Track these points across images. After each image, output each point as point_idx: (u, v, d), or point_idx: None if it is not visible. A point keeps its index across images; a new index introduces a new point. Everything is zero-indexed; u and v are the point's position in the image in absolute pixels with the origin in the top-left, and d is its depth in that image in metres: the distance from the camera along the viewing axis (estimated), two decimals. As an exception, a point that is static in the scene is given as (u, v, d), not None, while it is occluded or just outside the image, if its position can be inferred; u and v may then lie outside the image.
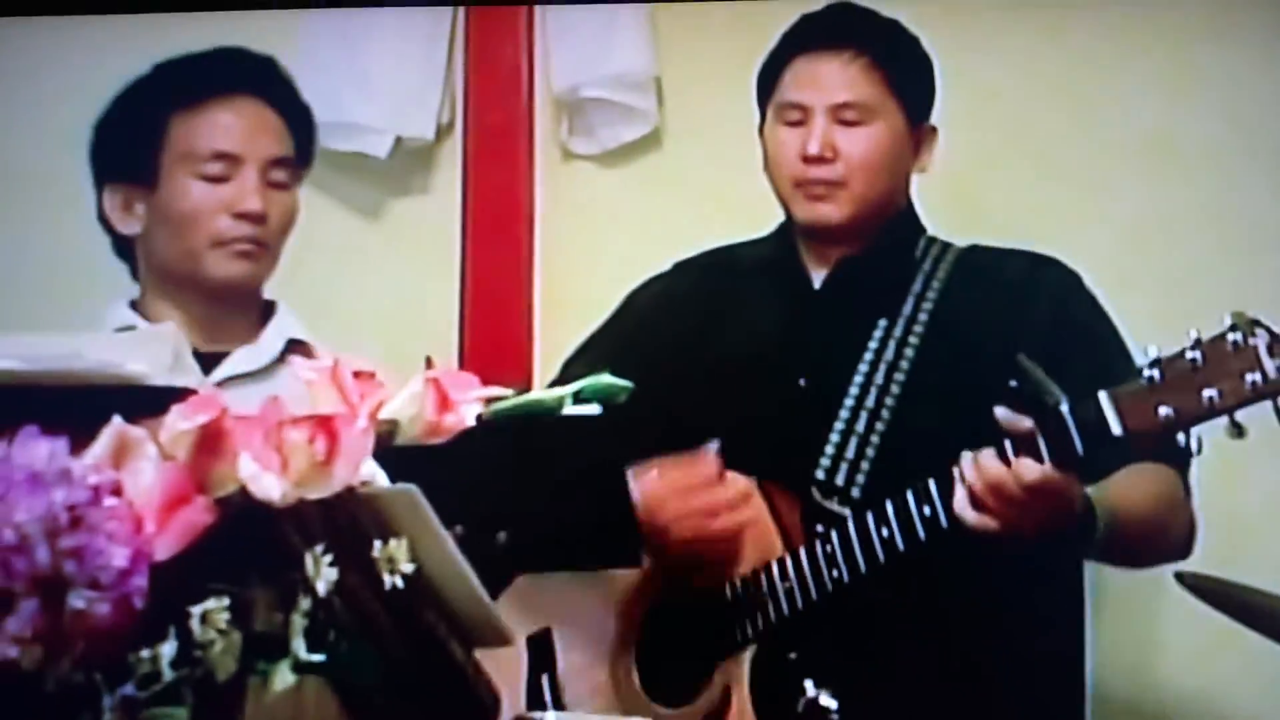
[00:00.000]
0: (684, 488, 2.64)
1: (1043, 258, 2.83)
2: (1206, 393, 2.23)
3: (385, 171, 3.79)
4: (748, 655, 2.64)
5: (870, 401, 2.71)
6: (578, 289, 3.23)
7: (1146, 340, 2.37)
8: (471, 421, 1.73)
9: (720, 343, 2.85)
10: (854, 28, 2.83)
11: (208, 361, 2.51)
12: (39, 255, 3.61)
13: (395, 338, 3.64)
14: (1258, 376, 2.20)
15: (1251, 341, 2.21)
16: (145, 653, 1.50)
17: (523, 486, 2.62)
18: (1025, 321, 2.71)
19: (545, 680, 2.60)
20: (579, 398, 1.79)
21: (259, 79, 2.70)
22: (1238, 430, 2.22)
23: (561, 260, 3.68)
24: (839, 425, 2.71)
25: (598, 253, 3.44)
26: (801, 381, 2.77)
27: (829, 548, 2.57)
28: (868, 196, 2.77)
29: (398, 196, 3.84)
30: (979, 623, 2.64)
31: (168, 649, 1.51)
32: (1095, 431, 2.33)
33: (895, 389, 2.71)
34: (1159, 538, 2.68)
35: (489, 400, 1.76)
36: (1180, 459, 2.59)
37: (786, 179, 2.80)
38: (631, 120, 3.73)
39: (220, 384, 2.51)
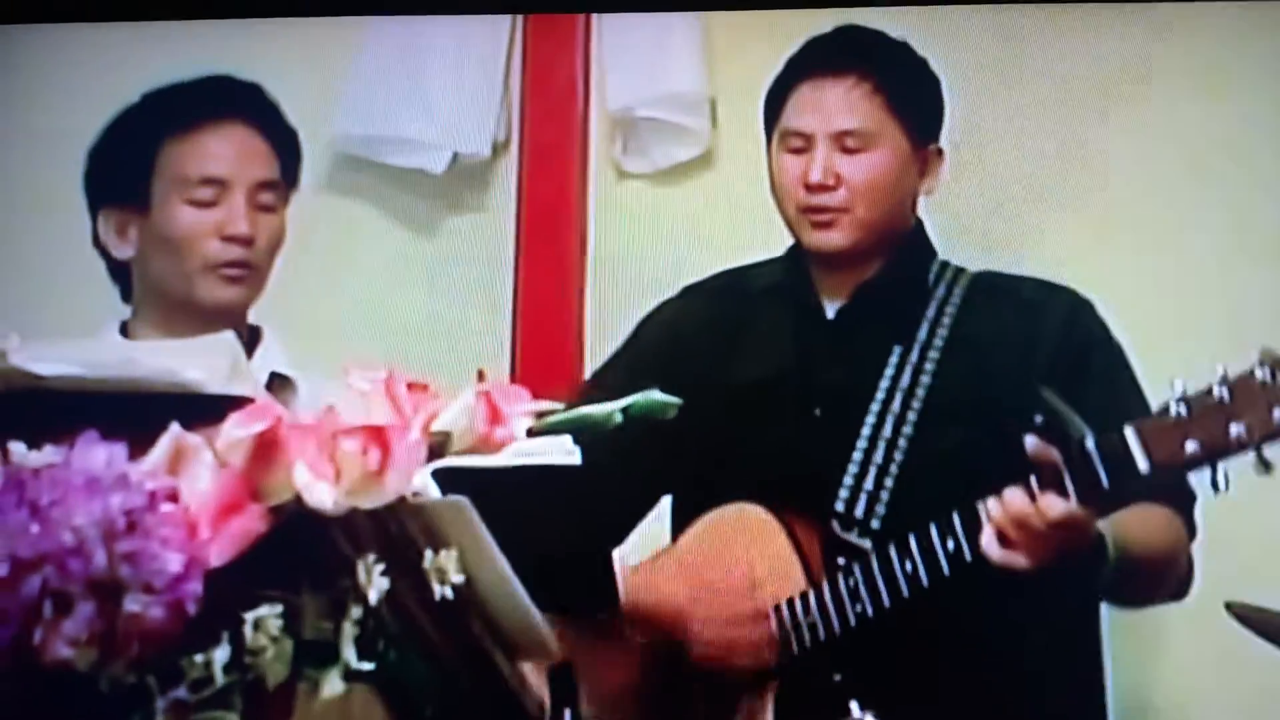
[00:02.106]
0: (715, 608, 2.65)
1: (1055, 285, 2.82)
2: (1234, 428, 2.25)
3: (441, 187, 3.80)
4: (771, 690, 2.63)
5: (888, 431, 2.70)
6: (629, 306, 3.23)
7: (1159, 369, 2.44)
8: (522, 435, 1.74)
9: (734, 371, 2.82)
10: (858, 52, 2.83)
11: None
12: (34, 272, 3.63)
13: (448, 351, 3.65)
14: None
15: None
16: (198, 657, 1.52)
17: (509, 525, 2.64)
18: (1039, 348, 2.71)
19: (568, 714, 2.60)
20: (628, 413, 1.80)
21: (246, 105, 2.76)
22: (1265, 466, 2.23)
23: (613, 277, 3.69)
24: (857, 456, 2.70)
25: (649, 271, 3.45)
26: (817, 411, 2.76)
27: (852, 581, 2.57)
28: (871, 221, 2.77)
29: (453, 212, 3.85)
30: (1001, 654, 2.63)
31: (220, 654, 1.52)
32: (1121, 466, 2.34)
33: (912, 417, 2.70)
34: (1162, 578, 2.68)
35: (539, 414, 1.77)
36: (1185, 501, 2.61)
37: (791, 205, 2.80)
38: (684, 140, 3.74)
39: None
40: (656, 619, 2.66)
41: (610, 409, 1.79)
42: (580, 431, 1.78)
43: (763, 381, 2.79)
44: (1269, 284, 3.43)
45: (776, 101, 2.85)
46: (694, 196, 3.70)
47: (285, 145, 2.79)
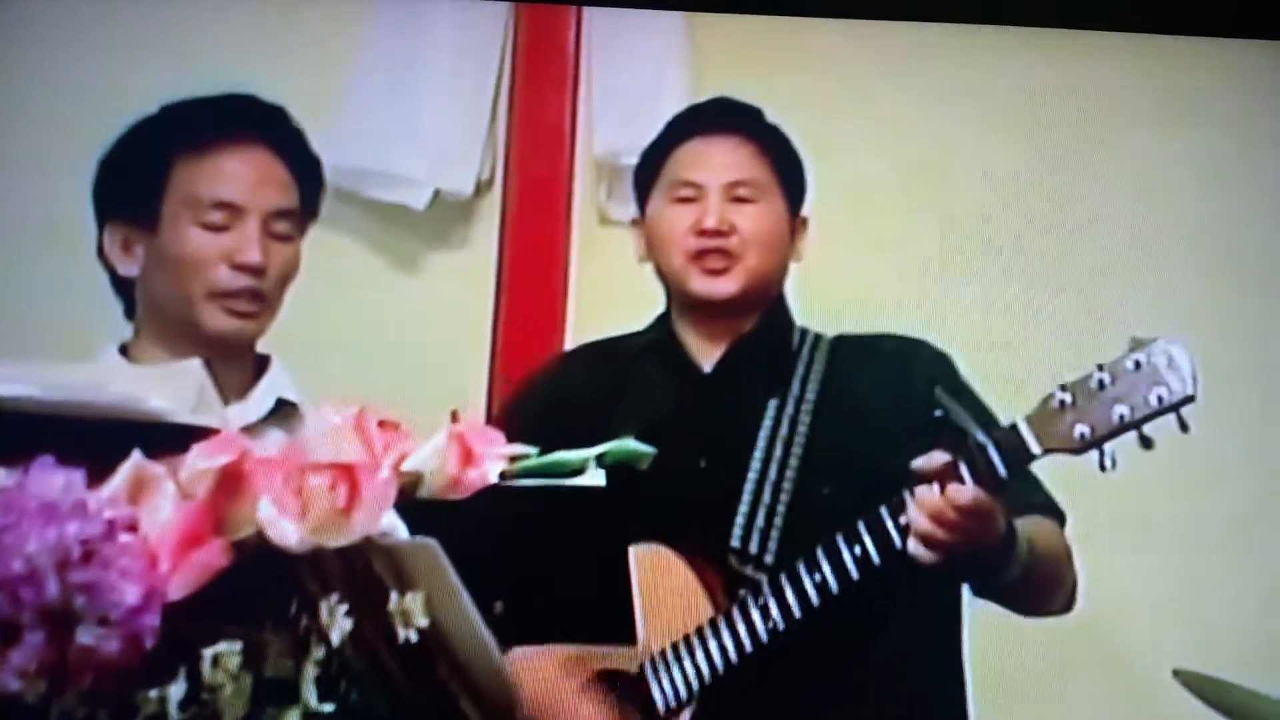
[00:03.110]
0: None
1: (912, 338, 2.93)
2: (1117, 409, 2.45)
3: (423, 223, 3.79)
4: (686, 716, 2.67)
5: (773, 474, 2.77)
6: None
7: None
8: (494, 478, 1.71)
9: (617, 428, 2.82)
10: (741, 117, 2.93)
11: None
12: (34, 290, 3.60)
13: (424, 389, 3.62)
14: (1163, 390, 2.44)
15: (1154, 359, 2.45)
16: (153, 692, 1.49)
17: (518, 556, 2.63)
18: (907, 389, 2.80)
19: None
20: (601, 461, 1.78)
21: (268, 127, 2.65)
22: (1146, 443, 2.44)
23: (594, 322, 3.67)
24: (746, 498, 2.76)
25: (630, 317, 3.42)
26: (702, 463, 2.81)
27: (762, 601, 2.64)
28: (758, 271, 2.84)
29: (434, 249, 3.84)
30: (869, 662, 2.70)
31: (176, 690, 1.49)
32: (1016, 455, 2.50)
33: (795, 462, 2.77)
34: (1059, 583, 2.78)
35: (513, 458, 1.74)
36: (1061, 520, 2.77)
37: (680, 254, 2.85)
38: (671, 189, 3.72)
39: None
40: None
41: (585, 455, 1.77)
42: (552, 477, 1.75)
43: (646, 436, 2.80)
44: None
45: (654, 163, 2.94)
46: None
47: (306, 173, 2.68)
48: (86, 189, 2.67)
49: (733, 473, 2.78)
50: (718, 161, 2.88)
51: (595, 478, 1.81)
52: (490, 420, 3.10)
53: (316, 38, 3.85)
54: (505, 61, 3.82)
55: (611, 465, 1.82)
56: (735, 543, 2.73)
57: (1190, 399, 2.43)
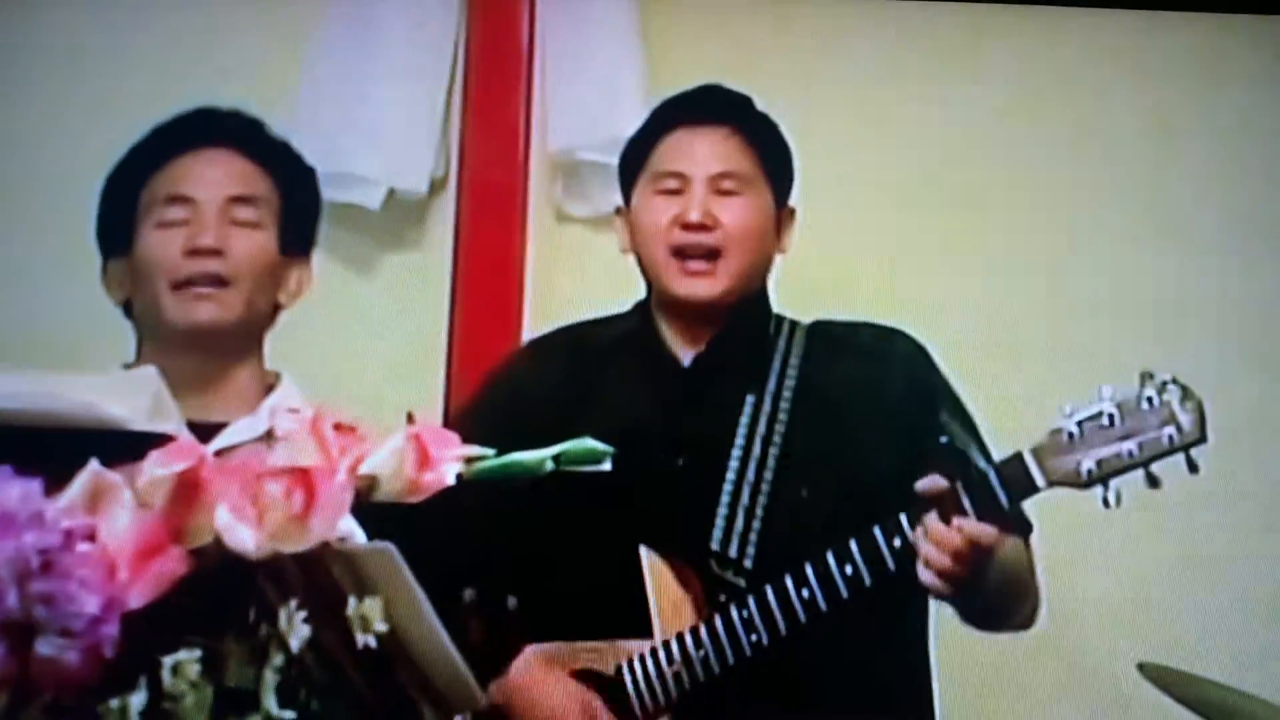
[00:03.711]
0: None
1: (888, 328, 2.90)
2: (1126, 446, 2.41)
3: (377, 223, 3.78)
4: None
5: (751, 475, 2.74)
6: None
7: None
8: (451, 480, 1.71)
9: (592, 424, 2.80)
10: (728, 106, 2.89)
11: (205, 432, 2.44)
12: (44, 313, 3.60)
13: (380, 391, 3.62)
14: (1173, 430, 2.39)
15: (1165, 397, 2.40)
16: (114, 702, 1.48)
17: (527, 552, 2.63)
18: (883, 388, 2.78)
19: None
20: (559, 461, 1.78)
21: (222, 128, 2.66)
22: (1153, 481, 2.41)
23: (551, 321, 3.66)
24: (725, 500, 2.73)
25: (587, 314, 3.43)
26: (680, 461, 2.78)
27: (746, 613, 2.61)
28: (740, 269, 2.80)
29: (389, 249, 3.84)
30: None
31: (137, 699, 1.49)
32: (1020, 487, 2.47)
33: (772, 461, 2.75)
34: (1023, 599, 2.76)
35: (470, 459, 1.74)
36: (1027, 531, 2.73)
37: (662, 247, 2.81)
38: (627, 184, 3.72)
39: (217, 454, 2.46)
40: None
41: (542, 456, 1.77)
42: (510, 479, 1.75)
43: (623, 433, 2.78)
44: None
45: (641, 152, 2.90)
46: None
47: (272, 157, 2.68)
48: (85, 207, 2.69)
49: (711, 472, 2.75)
50: (702, 153, 2.83)
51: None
52: (450, 419, 3.08)
53: (267, 35, 3.85)
54: (459, 56, 3.81)
55: (570, 465, 1.81)
56: (715, 546, 2.70)
57: (1201, 440, 2.39)
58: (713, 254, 2.78)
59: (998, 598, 2.63)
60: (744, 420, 2.78)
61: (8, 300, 3.69)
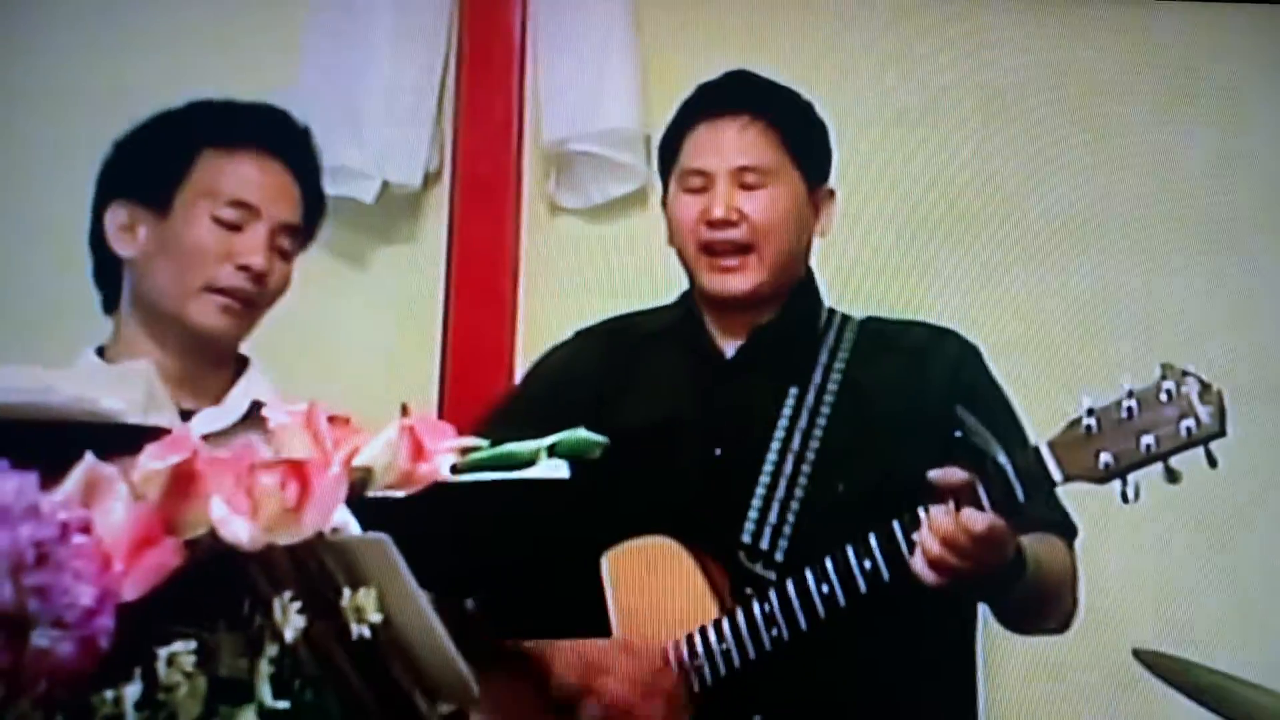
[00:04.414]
0: (627, 664, 2.66)
1: (942, 330, 2.90)
2: (1144, 440, 2.35)
3: (371, 217, 3.79)
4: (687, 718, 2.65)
5: (788, 468, 2.74)
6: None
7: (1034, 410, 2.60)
8: (446, 472, 1.71)
9: (632, 413, 2.85)
10: (749, 93, 2.88)
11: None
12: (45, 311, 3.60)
13: (374, 383, 3.63)
14: (1192, 423, 2.33)
15: (1184, 390, 2.34)
16: (108, 694, 1.48)
17: (487, 551, 2.63)
18: (926, 388, 2.77)
19: None
20: (553, 452, 1.78)
21: (291, 144, 2.68)
22: (1172, 475, 2.34)
23: (545, 313, 3.68)
24: (760, 492, 2.73)
25: (582, 306, 3.44)
26: (718, 451, 2.80)
27: (767, 606, 2.60)
28: (773, 261, 2.81)
29: (383, 243, 3.85)
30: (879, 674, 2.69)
31: (131, 691, 1.49)
32: (1036, 480, 2.42)
33: (811, 456, 2.74)
34: (1057, 602, 2.75)
35: (464, 450, 1.74)
36: (1071, 534, 2.72)
37: (691, 245, 2.83)
38: (620, 176, 3.74)
39: None
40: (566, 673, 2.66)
41: (535, 447, 1.77)
42: (504, 469, 1.76)
43: (662, 422, 2.83)
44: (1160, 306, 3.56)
45: (671, 147, 2.91)
46: (627, 232, 3.71)
47: (313, 198, 2.71)
48: (67, 194, 2.68)
49: (748, 464, 2.75)
50: (723, 147, 2.83)
51: (557, 470, 1.81)
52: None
53: (258, 26, 3.85)
54: (451, 48, 3.82)
55: (564, 456, 1.81)
56: (746, 538, 2.71)
57: (1220, 434, 2.33)
58: (742, 249, 2.79)
59: (1030, 599, 2.61)
60: (785, 413, 2.78)
61: (15, 293, 3.70)
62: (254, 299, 2.61)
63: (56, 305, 2.74)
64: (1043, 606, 2.72)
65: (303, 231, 2.68)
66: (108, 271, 2.67)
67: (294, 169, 2.66)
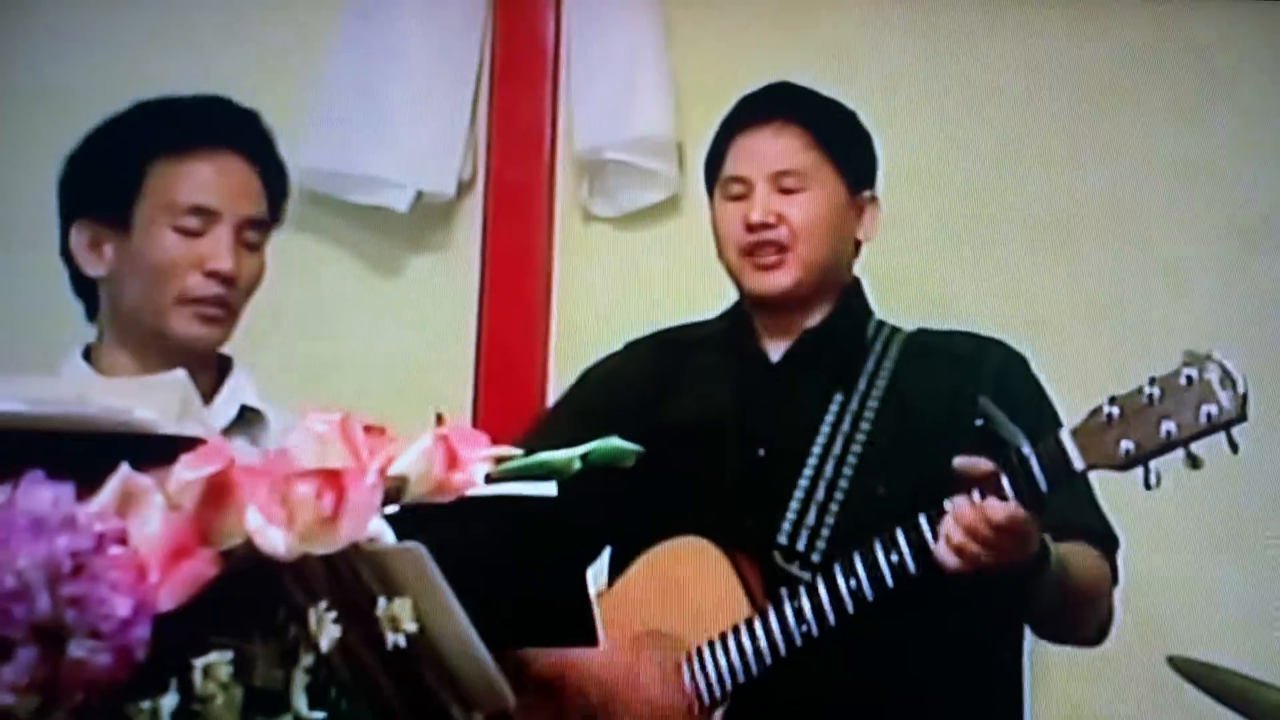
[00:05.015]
0: (651, 670, 2.65)
1: (987, 340, 2.91)
2: (1165, 426, 2.33)
3: (405, 226, 3.79)
4: (718, 716, 2.65)
5: (829, 471, 2.75)
6: (594, 350, 3.22)
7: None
8: (480, 480, 1.71)
9: (678, 413, 2.87)
10: (786, 101, 2.91)
11: None
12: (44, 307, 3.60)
13: (408, 393, 3.63)
14: (1213, 408, 2.30)
15: (1205, 376, 2.31)
16: (145, 704, 1.48)
17: (477, 563, 2.62)
18: (969, 393, 2.72)
19: None
20: (587, 460, 1.78)
21: (241, 133, 2.64)
22: (1194, 462, 2.32)
23: (578, 321, 3.68)
24: (799, 493, 2.74)
25: (615, 315, 3.45)
26: (761, 452, 2.81)
27: (797, 604, 2.60)
28: (812, 260, 2.82)
29: (416, 252, 3.84)
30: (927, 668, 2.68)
31: (168, 701, 1.49)
32: (1058, 468, 2.41)
33: (852, 459, 2.75)
34: (1090, 611, 2.73)
35: (498, 459, 1.74)
36: (1111, 546, 2.71)
37: (733, 250, 2.86)
38: (652, 184, 3.74)
39: None
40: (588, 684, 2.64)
41: (570, 455, 1.77)
42: (539, 478, 1.75)
43: (706, 423, 2.85)
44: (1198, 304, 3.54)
45: (716, 159, 2.93)
46: (661, 240, 3.70)
47: (275, 180, 2.67)
48: (47, 189, 2.65)
49: (790, 465, 2.76)
50: (761, 153, 2.85)
51: (547, 489, 1.81)
52: (478, 422, 3.09)
53: (289, 36, 3.86)
54: (484, 57, 3.82)
55: (598, 464, 1.81)
56: (782, 539, 2.71)
57: (1241, 419, 2.30)
58: (780, 248, 2.81)
59: (1057, 603, 2.60)
60: (829, 417, 2.79)
61: (22, 288, 3.70)
62: (229, 301, 2.59)
63: (54, 306, 2.72)
64: (1071, 613, 2.70)
65: (269, 217, 2.65)
66: (83, 285, 2.65)
67: (249, 158, 2.62)
